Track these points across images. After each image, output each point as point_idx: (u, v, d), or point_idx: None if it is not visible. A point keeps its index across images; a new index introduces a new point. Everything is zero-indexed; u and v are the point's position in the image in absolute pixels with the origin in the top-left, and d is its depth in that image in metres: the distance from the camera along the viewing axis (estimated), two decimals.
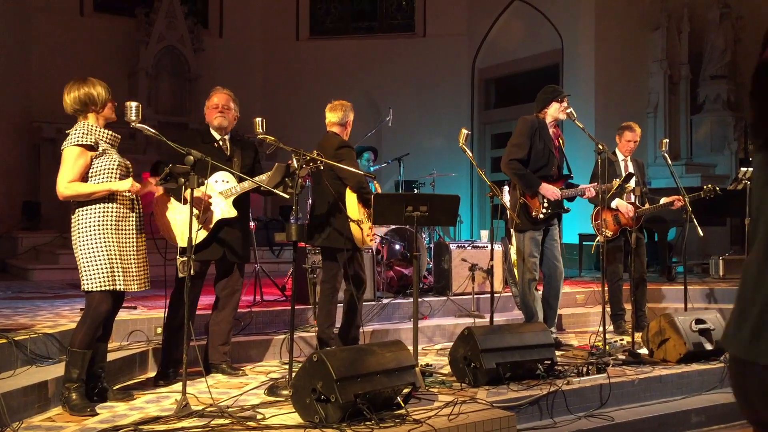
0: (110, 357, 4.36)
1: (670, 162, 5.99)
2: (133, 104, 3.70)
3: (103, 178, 3.74)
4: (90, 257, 3.68)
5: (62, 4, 11.94)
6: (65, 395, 3.70)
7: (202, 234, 4.37)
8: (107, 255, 3.69)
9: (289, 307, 4.17)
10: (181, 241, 4.17)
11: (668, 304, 7.15)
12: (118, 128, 4.01)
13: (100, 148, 3.75)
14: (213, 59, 12.74)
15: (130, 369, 4.65)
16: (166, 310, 4.43)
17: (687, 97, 11.40)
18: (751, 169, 5.92)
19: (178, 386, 4.08)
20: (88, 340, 3.71)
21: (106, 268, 3.68)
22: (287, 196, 4.10)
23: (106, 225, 3.72)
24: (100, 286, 3.68)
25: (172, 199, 4.35)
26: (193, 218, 3.98)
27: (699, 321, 5.11)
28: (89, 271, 3.68)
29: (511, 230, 7.21)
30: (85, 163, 3.71)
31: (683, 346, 4.98)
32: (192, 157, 3.73)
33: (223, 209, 4.44)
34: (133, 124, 3.72)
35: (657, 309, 6.74)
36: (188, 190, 3.74)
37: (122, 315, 5.15)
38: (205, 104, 4.65)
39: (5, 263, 9.45)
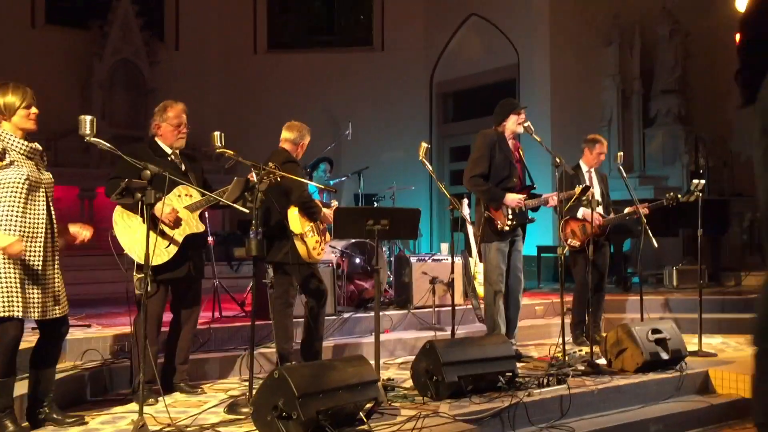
0: (62, 376, 4.24)
1: (625, 175, 6.11)
2: (87, 118, 3.59)
3: (7, 191, 3.47)
4: None
5: (12, 15, 11.68)
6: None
7: (173, 250, 4.26)
8: (7, 280, 3.42)
9: (249, 323, 4.11)
10: (150, 258, 4.07)
11: (625, 314, 7.26)
12: (72, 141, 3.90)
13: (8, 159, 3.49)
14: (169, 72, 12.58)
15: (84, 389, 4.52)
16: (132, 327, 4.32)
17: (639, 111, 11.66)
18: (702, 182, 6.06)
19: (135, 406, 3.99)
20: (6, 368, 3.50)
21: (5, 293, 3.41)
22: (247, 211, 4.05)
23: None
24: None
25: (133, 215, 4.22)
26: (159, 234, 3.88)
27: (655, 331, 5.19)
28: None
29: (472, 243, 7.27)
30: None
31: (640, 356, 5.05)
32: (149, 172, 3.66)
33: (191, 224, 4.37)
34: (87, 138, 3.61)
35: (614, 319, 6.84)
36: (147, 206, 3.65)
37: (76, 333, 5.03)
38: (160, 117, 4.44)
39: None
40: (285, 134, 5.03)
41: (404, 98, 13.10)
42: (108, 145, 3.75)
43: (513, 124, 5.46)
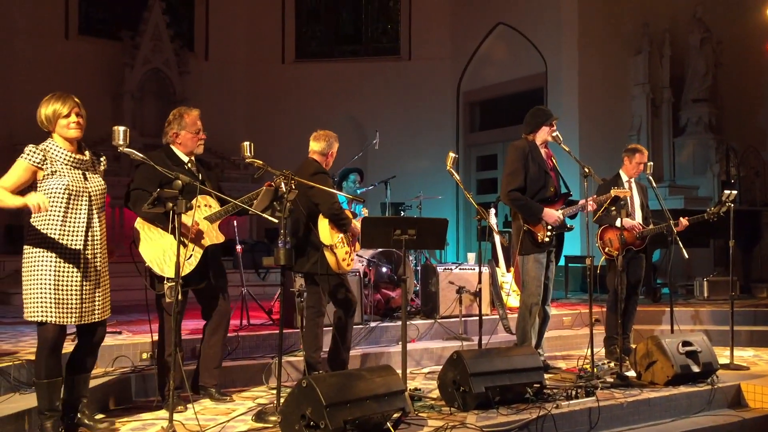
0: (94, 383, 4.29)
1: (654, 185, 6.04)
2: (121, 129, 3.65)
3: (54, 198, 3.56)
4: (27, 286, 3.55)
5: (46, 27, 11.93)
6: (40, 425, 3.60)
7: (194, 262, 4.25)
8: (42, 283, 3.52)
9: (277, 331, 4.13)
10: (170, 271, 4.09)
11: (654, 326, 7.17)
12: (103, 150, 3.94)
13: (49, 168, 3.58)
14: (198, 82, 12.76)
15: (114, 396, 4.57)
16: (157, 336, 4.36)
17: (669, 120, 11.55)
18: (734, 192, 5.97)
19: (164, 413, 4.03)
20: (50, 370, 3.58)
21: (39, 299, 3.52)
22: (275, 220, 4.06)
23: (47, 250, 3.55)
24: (33, 317, 3.53)
25: (153, 227, 4.23)
26: (183, 246, 3.90)
27: (686, 343, 5.12)
28: (26, 300, 3.56)
29: (499, 253, 7.24)
30: (26, 177, 3.55)
31: (671, 369, 4.98)
32: (180, 182, 3.69)
33: (210, 235, 4.38)
34: (120, 148, 3.67)
35: (644, 331, 6.76)
36: (177, 216, 3.68)
37: (107, 340, 5.08)
38: (178, 125, 4.40)
39: None
40: (312, 145, 5.04)
41: (431, 107, 13.12)
42: (140, 155, 3.81)
43: (545, 134, 5.41)
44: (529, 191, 5.33)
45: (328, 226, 4.83)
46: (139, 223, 4.24)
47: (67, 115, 3.64)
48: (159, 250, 4.19)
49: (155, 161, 4.04)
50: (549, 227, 5.31)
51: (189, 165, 4.43)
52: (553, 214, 5.29)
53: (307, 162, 5.00)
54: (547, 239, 5.30)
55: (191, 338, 5.15)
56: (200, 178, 4.42)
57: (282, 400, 3.81)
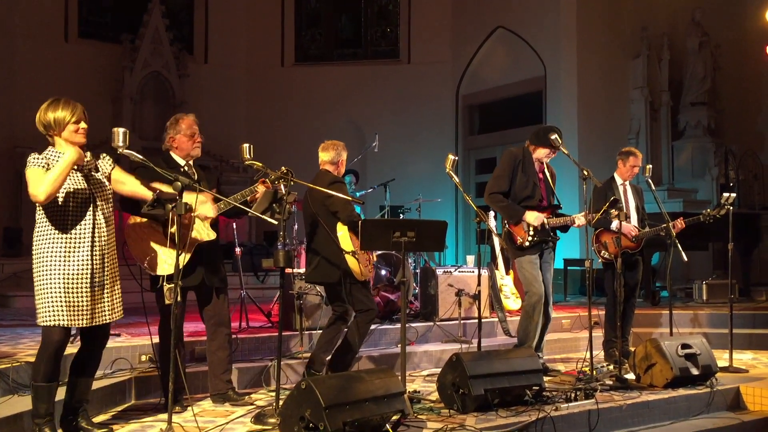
0: (93, 385, 4.28)
1: (653, 188, 6.05)
2: (120, 130, 3.65)
3: (52, 204, 3.56)
4: (39, 292, 3.55)
5: (46, 30, 11.95)
6: (35, 431, 3.58)
7: (185, 258, 4.25)
8: (51, 288, 3.52)
9: (276, 334, 4.13)
10: (162, 270, 4.12)
11: (653, 328, 7.17)
12: (102, 152, 3.94)
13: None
14: (198, 85, 12.77)
15: (113, 398, 4.57)
16: (158, 338, 4.36)
17: (668, 124, 11.58)
18: (733, 195, 5.98)
19: (163, 415, 4.03)
20: (49, 372, 3.57)
21: (50, 301, 3.52)
22: (275, 222, 4.07)
23: (55, 255, 3.54)
24: (44, 322, 3.53)
25: (146, 227, 4.24)
26: (169, 244, 3.90)
27: (685, 346, 5.12)
28: (38, 303, 3.56)
29: (498, 256, 7.24)
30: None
31: (670, 371, 4.98)
32: (180, 183, 3.70)
33: (201, 233, 4.36)
34: (119, 150, 3.67)
35: (642, 334, 6.76)
36: (178, 217, 3.68)
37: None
38: (174, 130, 4.50)
39: None
40: (322, 156, 5.06)
41: (430, 110, 13.14)
42: (140, 156, 3.82)
43: (541, 154, 5.43)
44: (515, 198, 5.37)
45: (348, 233, 4.85)
46: (130, 224, 4.26)
47: (77, 122, 3.65)
48: (150, 250, 4.20)
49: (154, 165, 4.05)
50: (531, 233, 5.31)
51: (185, 168, 4.49)
52: (534, 215, 5.30)
53: (321, 173, 5.01)
54: (527, 244, 5.32)
55: (188, 340, 5.15)
56: (196, 178, 4.47)
57: (281, 402, 3.81)
